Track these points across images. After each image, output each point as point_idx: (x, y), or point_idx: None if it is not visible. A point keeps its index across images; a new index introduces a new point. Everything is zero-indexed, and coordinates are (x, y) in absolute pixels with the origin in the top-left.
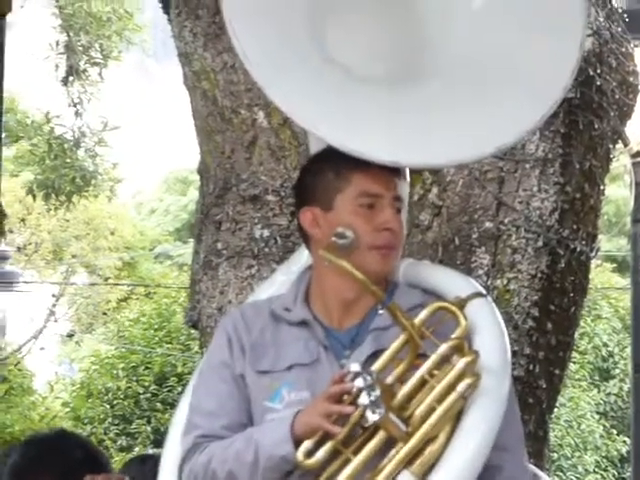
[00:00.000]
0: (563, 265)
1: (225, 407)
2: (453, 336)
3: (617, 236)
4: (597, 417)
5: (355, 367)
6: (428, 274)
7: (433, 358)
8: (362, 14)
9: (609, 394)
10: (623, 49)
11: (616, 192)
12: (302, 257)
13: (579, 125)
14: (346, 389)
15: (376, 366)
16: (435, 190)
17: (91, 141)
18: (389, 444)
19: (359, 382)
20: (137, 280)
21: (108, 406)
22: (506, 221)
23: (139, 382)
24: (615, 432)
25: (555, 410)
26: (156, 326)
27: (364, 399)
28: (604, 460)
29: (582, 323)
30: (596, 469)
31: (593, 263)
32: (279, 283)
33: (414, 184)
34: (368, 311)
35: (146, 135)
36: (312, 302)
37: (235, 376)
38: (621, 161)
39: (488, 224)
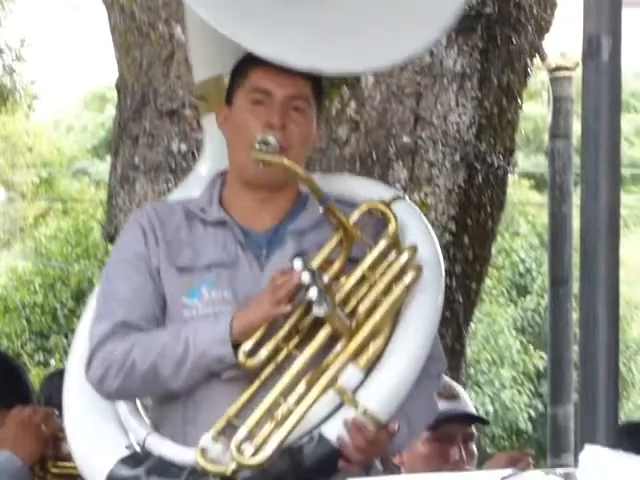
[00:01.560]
0: (480, 179)
1: (142, 297)
2: (387, 233)
3: (535, 153)
4: (514, 333)
5: (298, 264)
6: (340, 183)
7: (373, 254)
8: None
9: (526, 310)
10: None
11: (534, 109)
12: (200, 169)
13: (497, 40)
14: (293, 283)
15: (315, 264)
16: (353, 105)
17: (8, 57)
18: (332, 341)
19: (305, 277)
20: (55, 197)
21: (25, 321)
22: (423, 135)
23: (56, 297)
24: (532, 347)
25: (472, 325)
26: (73, 242)
27: (312, 293)
28: (521, 375)
29: (500, 239)
30: (513, 384)
31: (511, 180)
32: (187, 189)
33: (332, 99)
34: (285, 214)
35: (64, 52)
36: (227, 205)
37: (151, 269)
38: (539, 77)
39: (406, 139)
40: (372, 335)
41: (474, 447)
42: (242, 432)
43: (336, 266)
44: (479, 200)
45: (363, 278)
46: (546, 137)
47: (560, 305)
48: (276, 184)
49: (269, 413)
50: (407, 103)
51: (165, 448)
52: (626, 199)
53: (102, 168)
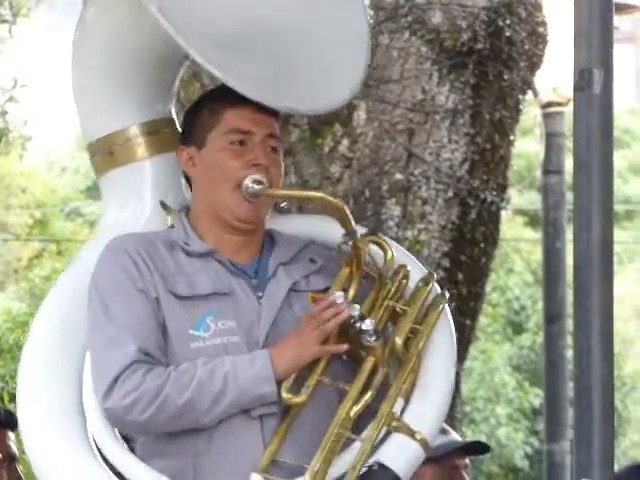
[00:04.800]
0: (474, 216)
1: (148, 326)
2: (397, 265)
3: (529, 190)
4: (510, 370)
5: (340, 297)
6: (295, 223)
7: (396, 285)
8: None
9: (522, 347)
10: (532, 0)
11: (527, 146)
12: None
13: (489, 76)
14: (343, 317)
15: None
16: (346, 142)
17: (2, 98)
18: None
19: (355, 310)
20: (49, 238)
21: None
22: (416, 172)
23: None
24: (527, 384)
25: (468, 363)
26: None
27: (368, 325)
28: (516, 412)
29: (494, 277)
30: (508, 421)
31: (505, 216)
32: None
33: (324, 136)
34: (260, 249)
35: (57, 93)
36: (205, 240)
37: (149, 298)
38: (531, 113)
39: (398, 176)
40: (416, 363)
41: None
42: (315, 465)
43: (351, 296)
44: (472, 237)
45: (385, 308)
46: (539, 173)
47: (555, 342)
48: (255, 225)
49: (332, 446)
50: (399, 140)
51: None
52: (621, 235)
53: (96, 209)
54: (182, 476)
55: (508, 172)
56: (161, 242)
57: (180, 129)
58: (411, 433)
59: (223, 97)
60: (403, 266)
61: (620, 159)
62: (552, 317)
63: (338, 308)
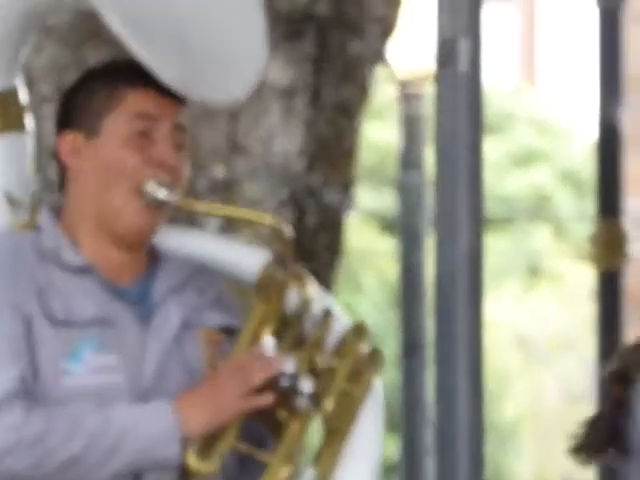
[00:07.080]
0: (314, 220)
1: (24, 353)
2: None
3: (380, 188)
4: None
5: (270, 345)
6: (188, 240)
7: (317, 333)
8: None
9: None
10: None
11: (380, 134)
12: None
13: (332, 47)
14: (274, 370)
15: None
16: None
17: None
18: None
19: (289, 367)
20: None
21: None
22: (241, 167)
23: None
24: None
25: None
26: None
27: (306, 386)
28: None
29: (339, 294)
30: None
31: (351, 220)
32: None
33: None
34: (145, 271)
35: None
36: (82, 252)
37: (23, 317)
38: (386, 93)
39: (219, 170)
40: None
41: None
42: None
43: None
44: (312, 245)
45: (302, 359)
46: (395, 168)
47: (414, 378)
48: (147, 240)
49: None
50: (220, 126)
51: None
52: (497, 244)
53: None
54: None
55: (354, 166)
56: (30, 248)
57: (60, 109)
58: None
59: (123, 75)
60: (328, 312)
61: (499, 149)
62: (410, 348)
63: (268, 361)
